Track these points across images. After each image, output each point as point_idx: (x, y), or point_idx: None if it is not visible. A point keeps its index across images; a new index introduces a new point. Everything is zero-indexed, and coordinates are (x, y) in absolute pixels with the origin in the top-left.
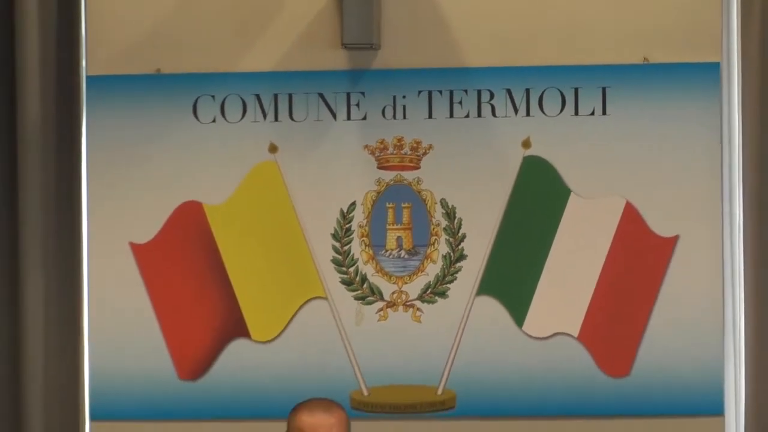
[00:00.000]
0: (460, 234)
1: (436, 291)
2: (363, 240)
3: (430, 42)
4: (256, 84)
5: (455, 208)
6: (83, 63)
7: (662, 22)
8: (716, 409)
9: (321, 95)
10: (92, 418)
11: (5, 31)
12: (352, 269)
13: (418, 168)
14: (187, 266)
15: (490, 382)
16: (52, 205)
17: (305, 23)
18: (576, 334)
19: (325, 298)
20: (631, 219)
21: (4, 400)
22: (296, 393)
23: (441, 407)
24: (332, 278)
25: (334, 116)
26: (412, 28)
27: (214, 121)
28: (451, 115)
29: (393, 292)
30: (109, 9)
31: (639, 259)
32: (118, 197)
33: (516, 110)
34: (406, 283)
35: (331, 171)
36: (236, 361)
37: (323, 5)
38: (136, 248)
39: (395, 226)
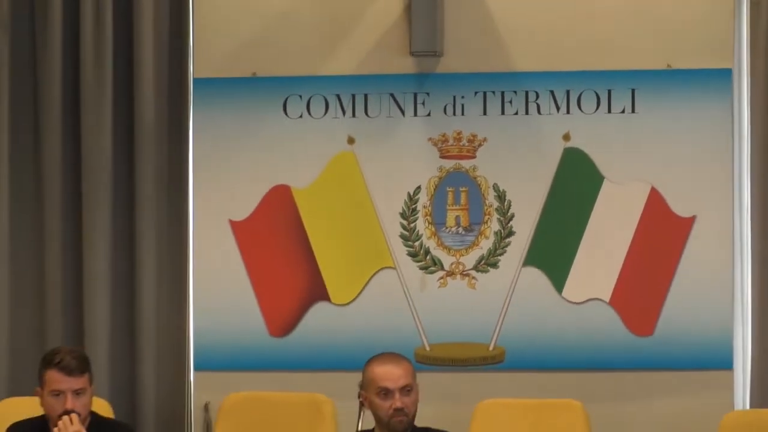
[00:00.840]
0: (509, 213)
1: (488, 262)
2: (426, 218)
3: (485, 50)
4: (337, 86)
5: (505, 191)
6: (191, 68)
7: (683, 33)
8: (726, 364)
9: (392, 95)
10: (195, 368)
11: (126, 43)
12: (417, 243)
13: (474, 157)
14: (277, 240)
15: (535, 340)
16: (164, 189)
17: (379, 34)
18: (608, 299)
19: (394, 268)
20: (656, 201)
21: (124, 355)
22: (369, 348)
23: (492, 361)
24: (400, 251)
25: (403, 113)
26: (470, 39)
27: (301, 117)
28: (503, 113)
29: (452, 263)
30: (213, 22)
31: (662, 235)
32: (220, 181)
33: (558, 108)
34: (462, 255)
35: (399, 160)
36: (318, 320)
37: (394, 19)
38: (234, 225)
39: (454, 207)
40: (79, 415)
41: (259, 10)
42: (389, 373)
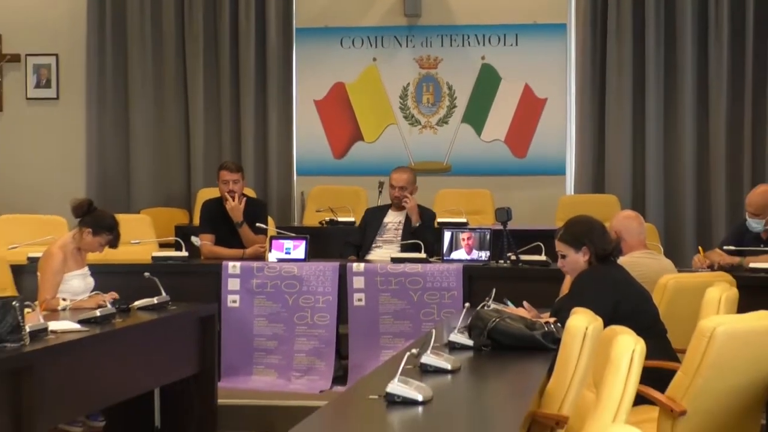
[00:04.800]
0: (454, 96)
1: (443, 121)
2: (412, 99)
3: (443, 13)
4: (367, 32)
5: (452, 85)
6: (294, 21)
7: (542, 1)
8: (562, 172)
9: (395, 36)
10: (297, 174)
11: (261, 5)
12: (407, 111)
13: (436, 68)
14: (337, 109)
15: (467, 159)
16: (282, 84)
17: (389, 5)
18: (503, 139)
19: (396, 124)
20: (527, 91)
21: (260, 164)
22: (388, 165)
23: (445, 171)
24: (399, 115)
25: (401, 46)
26: (436, 7)
27: (349, 48)
28: (451, 45)
29: (425, 122)
30: None
31: (530, 107)
32: (309, 82)
33: (479, 43)
34: (430, 118)
35: (399, 69)
36: (358, 150)
37: None
38: (316, 102)
39: (426, 93)
40: (237, 194)
41: None
42: (399, 177)
